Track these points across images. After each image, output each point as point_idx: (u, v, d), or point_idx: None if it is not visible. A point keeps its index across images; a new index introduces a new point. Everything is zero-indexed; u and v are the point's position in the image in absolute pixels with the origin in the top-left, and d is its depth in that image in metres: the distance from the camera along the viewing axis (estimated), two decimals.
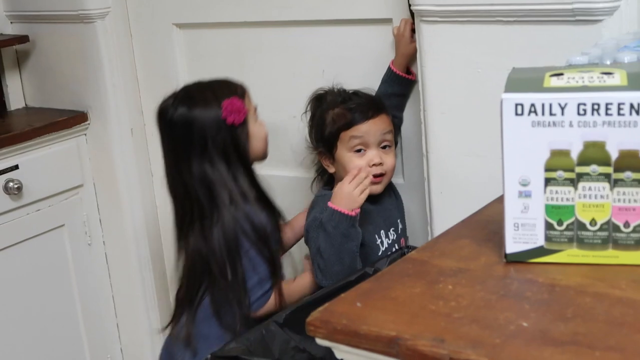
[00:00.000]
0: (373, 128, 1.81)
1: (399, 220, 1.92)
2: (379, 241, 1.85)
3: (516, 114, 1.09)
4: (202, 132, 1.74)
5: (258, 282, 1.78)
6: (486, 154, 1.72)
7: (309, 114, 1.91)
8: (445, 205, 1.80)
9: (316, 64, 2.05)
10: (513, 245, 1.13)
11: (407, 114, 1.96)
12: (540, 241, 1.12)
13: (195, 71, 2.24)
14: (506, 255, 1.14)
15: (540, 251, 1.13)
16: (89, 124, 2.34)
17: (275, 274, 1.80)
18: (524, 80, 1.13)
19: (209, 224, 1.76)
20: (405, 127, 1.97)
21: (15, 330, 2.23)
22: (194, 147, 1.75)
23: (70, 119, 2.30)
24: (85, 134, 2.35)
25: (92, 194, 2.38)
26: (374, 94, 1.91)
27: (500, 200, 1.27)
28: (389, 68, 1.92)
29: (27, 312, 2.25)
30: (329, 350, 1.36)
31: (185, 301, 1.81)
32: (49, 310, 2.31)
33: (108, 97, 2.29)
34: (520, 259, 1.13)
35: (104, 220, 2.41)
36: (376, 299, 1.07)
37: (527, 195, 1.12)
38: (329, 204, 1.75)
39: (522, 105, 1.08)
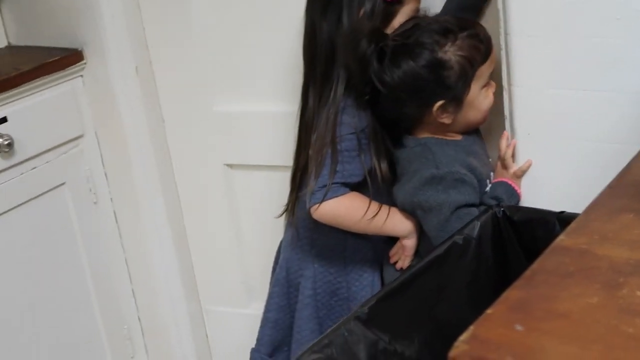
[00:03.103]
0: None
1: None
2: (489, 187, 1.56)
3: None
4: None
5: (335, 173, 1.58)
6: (588, 87, 1.40)
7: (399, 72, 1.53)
8: (534, 151, 1.49)
9: None
10: None
11: None
12: None
13: None
14: None
15: None
16: (85, 63, 2.02)
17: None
18: None
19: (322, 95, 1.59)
20: None
21: (19, 305, 1.96)
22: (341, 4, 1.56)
23: (63, 59, 1.98)
24: (82, 76, 2.03)
25: (94, 145, 2.08)
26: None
27: None
28: None
29: (30, 283, 1.98)
30: (423, 349, 1.07)
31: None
32: (55, 280, 2.03)
33: (106, 30, 1.97)
34: None
35: (110, 174, 2.11)
36: (540, 318, 0.76)
37: None
38: (508, 181, 1.50)
39: None
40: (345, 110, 1.57)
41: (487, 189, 1.53)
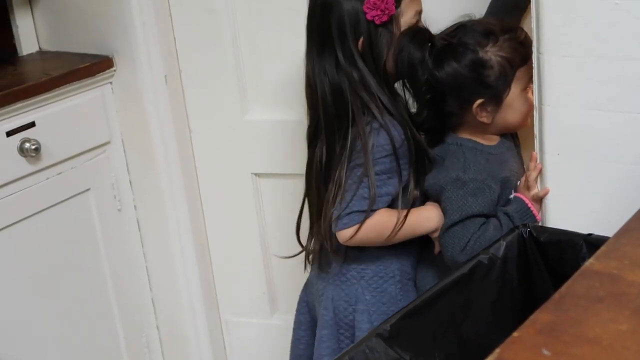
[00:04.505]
0: None
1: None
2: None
3: None
4: (341, 19, 1.52)
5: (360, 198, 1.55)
6: (621, 108, 1.38)
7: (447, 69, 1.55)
8: (563, 171, 1.47)
9: None
10: None
11: None
12: None
13: (245, 3, 1.90)
14: None
15: None
16: (115, 70, 2.02)
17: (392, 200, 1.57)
18: None
19: (336, 135, 1.56)
20: None
21: (40, 310, 1.96)
22: (332, 37, 1.54)
23: (94, 65, 1.99)
24: (111, 83, 2.04)
25: (120, 152, 2.09)
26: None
27: None
28: None
29: (52, 288, 1.98)
30: None
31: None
32: (76, 286, 2.04)
33: (137, 38, 1.97)
34: None
35: (134, 182, 2.12)
36: (569, 342, 0.75)
37: None
38: (525, 199, 1.50)
39: None
40: (379, 133, 1.54)
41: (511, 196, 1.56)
